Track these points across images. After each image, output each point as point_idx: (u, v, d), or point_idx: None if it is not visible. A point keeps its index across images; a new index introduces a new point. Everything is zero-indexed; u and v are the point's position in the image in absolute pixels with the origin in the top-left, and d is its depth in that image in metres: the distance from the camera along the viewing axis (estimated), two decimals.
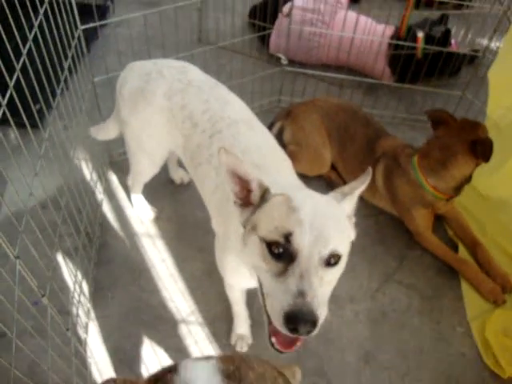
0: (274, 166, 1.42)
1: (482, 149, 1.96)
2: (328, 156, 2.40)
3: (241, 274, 1.34)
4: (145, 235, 2.18)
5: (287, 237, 0.97)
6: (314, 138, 2.37)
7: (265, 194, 1.08)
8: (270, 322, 1.05)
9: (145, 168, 1.98)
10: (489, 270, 2.13)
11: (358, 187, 1.12)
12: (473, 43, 3.18)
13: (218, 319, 1.93)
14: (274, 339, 1.09)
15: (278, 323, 0.96)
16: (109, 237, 2.16)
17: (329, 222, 1.00)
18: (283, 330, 0.95)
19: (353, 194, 1.12)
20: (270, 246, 1.00)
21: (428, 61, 2.82)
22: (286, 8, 2.78)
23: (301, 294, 0.92)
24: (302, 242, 0.96)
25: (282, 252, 0.98)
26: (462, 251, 2.25)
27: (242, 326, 1.84)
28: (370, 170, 1.12)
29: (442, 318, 2.04)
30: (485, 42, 2.78)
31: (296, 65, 2.96)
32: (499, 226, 2.30)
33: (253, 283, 1.27)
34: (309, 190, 1.18)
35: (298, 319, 0.91)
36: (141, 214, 2.24)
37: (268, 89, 2.82)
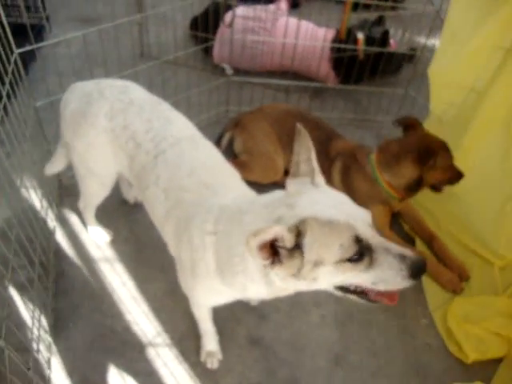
0: (223, 183, 1.42)
1: (424, 156, 2.05)
2: (281, 162, 2.42)
3: (217, 293, 1.33)
4: (102, 259, 2.12)
5: (357, 240, 1.01)
6: (265, 145, 2.38)
7: (299, 231, 1.01)
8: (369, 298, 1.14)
9: (95, 190, 1.93)
10: (446, 261, 2.21)
11: (310, 155, 1.15)
12: (411, 42, 3.29)
13: (186, 337, 1.90)
14: (379, 300, 1.15)
15: (404, 283, 1.05)
16: (65, 265, 2.08)
17: (346, 201, 1.08)
18: (409, 284, 1.05)
19: (315, 165, 1.14)
20: (350, 259, 1.02)
21: (370, 61, 2.89)
22: (227, 18, 2.78)
23: (402, 254, 1.04)
24: (363, 230, 1.02)
25: (359, 251, 1.02)
26: (419, 245, 2.32)
27: (210, 342, 1.81)
28: (299, 126, 1.17)
29: (406, 312, 2.09)
30: (422, 40, 2.88)
31: (241, 74, 2.97)
32: (452, 218, 2.38)
33: (228, 299, 1.26)
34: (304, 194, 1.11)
35: (422, 265, 1.04)
36: (96, 238, 2.18)
37: (215, 100, 2.81)
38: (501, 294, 2.14)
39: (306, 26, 2.91)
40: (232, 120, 2.54)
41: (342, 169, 2.26)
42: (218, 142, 2.46)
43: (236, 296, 1.39)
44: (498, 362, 1.94)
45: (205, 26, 3.01)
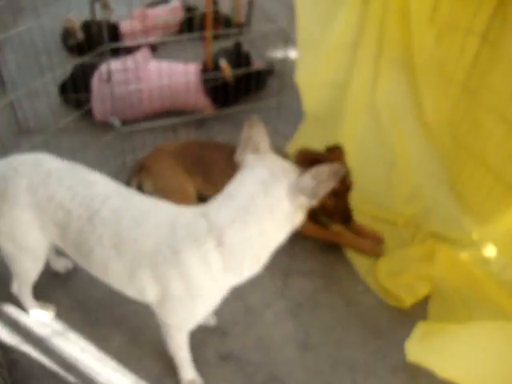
0: (172, 213, 1.53)
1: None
2: (192, 190, 2.54)
3: (212, 302, 1.54)
4: (54, 335, 2.08)
5: None
6: (174, 179, 2.50)
7: None
8: None
9: (29, 266, 1.88)
10: (360, 233, 2.51)
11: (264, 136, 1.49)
12: (268, 58, 3.65)
13: (164, 376, 1.94)
14: None
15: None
16: (16, 355, 2.01)
17: None
18: None
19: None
20: None
21: (241, 82, 3.17)
22: (102, 74, 2.87)
23: None
24: None
25: None
26: (335, 226, 2.60)
27: (188, 370, 1.88)
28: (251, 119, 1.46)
29: (344, 286, 2.34)
30: (279, 54, 3.24)
31: (128, 123, 3.05)
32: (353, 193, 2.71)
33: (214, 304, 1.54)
34: None
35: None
36: (39, 317, 2.14)
37: (110, 154, 2.86)
38: (411, 244, 2.50)
39: (174, 65, 3.11)
40: (135, 166, 2.63)
41: None
42: None
43: (224, 292, 1.54)
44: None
45: (76, 88, 3.05)
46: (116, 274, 1.57)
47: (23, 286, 2.02)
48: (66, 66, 3.29)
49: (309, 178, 1.34)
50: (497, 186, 2.29)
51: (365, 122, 2.68)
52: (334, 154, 2.36)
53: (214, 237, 1.37)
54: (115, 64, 2.98)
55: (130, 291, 1.62)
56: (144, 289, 1.55)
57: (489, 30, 2.12)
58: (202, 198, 2.54)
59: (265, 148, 1.45)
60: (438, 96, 2.41)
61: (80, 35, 3.69)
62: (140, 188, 2.56)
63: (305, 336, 2.12)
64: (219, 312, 1.91)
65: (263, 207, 1.35)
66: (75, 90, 3.08)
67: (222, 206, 1.40)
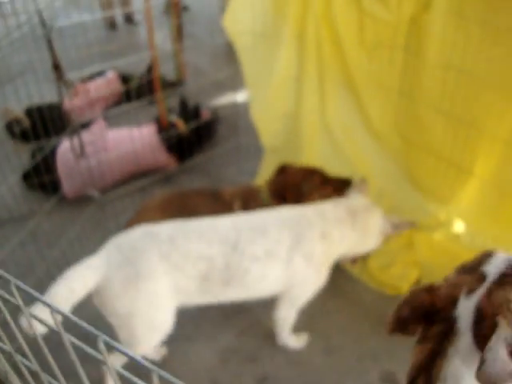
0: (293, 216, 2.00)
1: (295, 189, 2.54)
2: None
3: None
4: None
5: None
6: None
7: None
8: None
9: (152, 344, 1.86)
10: None
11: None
12: (215, 106, 3.91)
13: None
14: None
15: None
16: None
17: None
18: None
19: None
20: None
21: (196, 133, 3.39)
22: (72, 151, 2.96)
23: None
24: None
25: None
26: None
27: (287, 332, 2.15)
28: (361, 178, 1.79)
29: (346, 291, 2.56)
30: (226, 100, 3.50)
31: (103, 193, 3.14)
32: None
33: None
34: None
35: None
36: None
37: (95, 225, 2.94)
38: (390, 239, 2.76)
39: (131, 131, 3.27)
40: (125, 230, 2.74)
41: (242, 205, 2.62)
42: None
43: None
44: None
45: (40, 172, 3.11)
46: (270, 279, 1.88)
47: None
48: (20, 153, 3.36)
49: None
50: (449, 170, 2.61)
51: (321, 143, 2.95)
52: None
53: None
54: (75, 140, 3.10)
55: (274, 288, 1.96)
56: (293, 276, 1.91)
57: (409, 44, 2.48)
58: None
59: None
60: (381, 104, 2.73)
61: (26, 122, 3.76)
62: None
63: (326, 342, 2.30)
64: (244, 340, 2.04)
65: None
66: (38, 173, 3.14)
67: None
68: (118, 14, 5.79)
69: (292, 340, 2.23)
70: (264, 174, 3.12)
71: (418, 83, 2.52)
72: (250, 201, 2.66)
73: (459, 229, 2.74)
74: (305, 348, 2.26)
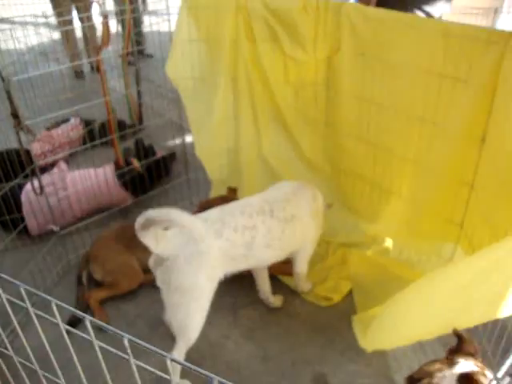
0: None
1: None
2: (136, 263, 2.86)
3: None
4: None
5: None
6: (120, 259, 2.82)
7: None
8: None
9: (201, 322, 2.17)
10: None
11: None
12: (169, 145, 4.20)
13: None
14: None
15: None
16: None
17: None
18: None
19: None
20: None
21: (151, 171, 3.65)
22: (33, 191, 3.16)
23: None
24: None
25: None
26: None
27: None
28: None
29: (284, 305, 2.77)
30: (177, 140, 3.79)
31: (63, 227, 3.31)
32: None
33: None
34: None
35: None
36: None
37: (55, 258, 3.08)
38: (326, 257, 3.03)
39: (89, 171, 3.51)
40: (82, 260, 2.95)
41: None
42: (79, 283, 2.84)
43: None
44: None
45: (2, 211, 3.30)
46: (297, 236, 2.42)
47: (184, 349, 2.18)
48: None
49: None
50: (373, 191, 2.90)
51: (260, 173, 3.24)
52: (229, 191, 2.99)
53: None
54: (36, 183, 3.32)
55: (299, 244, 2.51)
56: (307, 232, 2.51)
57: (328, 81, 2.82)
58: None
59: None
60: (309, 136, 3.04)
61: None
62: (91, 277, 2.86)
63: (264, 351, 2.49)
64: (188, 353, 2.23)
65: None
66: (2, 212, 3.32)
67: None
68: (85, 63, 6.23)
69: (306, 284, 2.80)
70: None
71: (339, 115, 2.85)
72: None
73: (388, 244, 3.02)
74: (244, 357, 2.45)
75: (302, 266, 2.68)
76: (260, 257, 2.32)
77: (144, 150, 3.71)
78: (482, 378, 1.35)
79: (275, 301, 2.74)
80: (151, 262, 2.14)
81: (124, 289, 2.80)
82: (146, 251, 2.92)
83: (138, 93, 4.57)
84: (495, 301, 1.70)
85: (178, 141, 3.54)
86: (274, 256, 2.41)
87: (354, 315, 2.61)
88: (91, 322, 0.96)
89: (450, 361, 1.44)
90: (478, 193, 2.31)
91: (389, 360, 2.41)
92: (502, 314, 1.75)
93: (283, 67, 2.86)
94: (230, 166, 3.35)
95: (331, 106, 2.90)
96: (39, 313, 1.15)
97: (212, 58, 2.96)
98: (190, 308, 2.10)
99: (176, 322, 2.13)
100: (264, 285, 2.71)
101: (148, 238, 1.96)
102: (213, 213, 2.23)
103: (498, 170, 2.08)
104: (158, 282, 2.11)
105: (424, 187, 2.57)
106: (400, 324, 2.12)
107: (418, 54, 2.30)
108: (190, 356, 2.31)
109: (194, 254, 2.04)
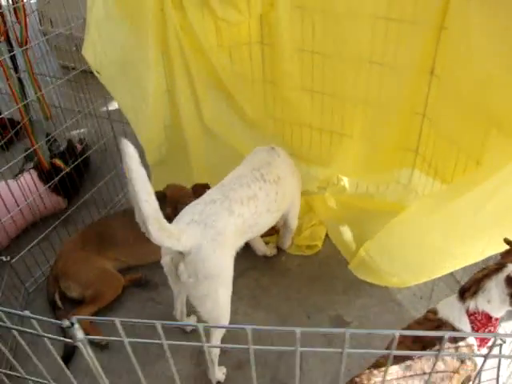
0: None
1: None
2: (111, 266, 2.70)
3: None
4: None
5: None
6: (94, 267, 2.62)
7: None
8: None
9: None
10: None
11: None
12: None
13: None
14: None
15: None
16: None
17: None
18: None
19: None
20: None
21: (79, 167, 3.33)
22: None
23: None
24: None
25: None
26: None
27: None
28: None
29: (274, 262, 2.85)
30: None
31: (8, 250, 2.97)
32: None
33: None
34: None
35: None
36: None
37: (10, 285, 2.74)
38: None
39: (7, 185, 3.07)
40: (48, 281, 2.66)
41: (173, 211, 2.50)
42: (55, 308, 2.57)
43: None
44: None
45: None
46: (287, 195, 2.49)
47: (219, 337, 2.20)
48: None
49: None
50: (323, 137, 3.02)
51: (205, 144, 3.15)
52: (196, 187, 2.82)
53: None
54: None
55: (290, 201, 2.58)
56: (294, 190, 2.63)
57: (262, 39, 2.81)
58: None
59: None
60: (249, 95, 3.01)
61: None
62: (65, 296, 2.60)
63: (275, 313, 2.59)
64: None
65: None
66: None
67: None
68: None
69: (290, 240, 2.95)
70: (155, 187, 3.21)
71: (279, 70, 2.85)
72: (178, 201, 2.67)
73: (343, 182, 3.20)
74: (259, 325, 2.48)
75: (294, 222, 2.79)
76: (263, 223, 2.34)
77: (67, 148, 3.37)
78: None
79: (271, 250, 2.92)
80: (167, 262, 2.02)
81: (109, 299, 2.60)
82: (117, 250, 2.76)
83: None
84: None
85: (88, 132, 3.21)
86: (273, 219, 2.43)
87: (339, 256, 2.79)
88: (95, 344, 0.92)
89: (499, 265, 1.63)
90: (432, 119, 2.53)
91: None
92: None
93: (215, 30, 2.75)
94: (169, 144, 3.20)
95: (269, 63, 2.89)
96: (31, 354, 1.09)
97: (136, 35, 2.70)
98: (219, 294, 2.06)
99: (207, 313, 2.08)
100: (259, 243, 2.87)
101: (168, 240, 1.83)
102: (214, 193, 2.18)
103: (448, 94, 2.31)
104: (183, 278, 1.98)
105: (377, 124, 2.73)
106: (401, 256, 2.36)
107: (362, 1, 2.37)
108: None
109: (215, 238, 1.99)
